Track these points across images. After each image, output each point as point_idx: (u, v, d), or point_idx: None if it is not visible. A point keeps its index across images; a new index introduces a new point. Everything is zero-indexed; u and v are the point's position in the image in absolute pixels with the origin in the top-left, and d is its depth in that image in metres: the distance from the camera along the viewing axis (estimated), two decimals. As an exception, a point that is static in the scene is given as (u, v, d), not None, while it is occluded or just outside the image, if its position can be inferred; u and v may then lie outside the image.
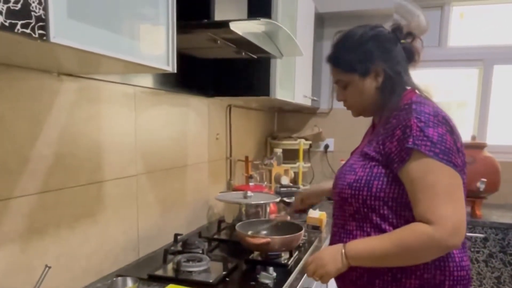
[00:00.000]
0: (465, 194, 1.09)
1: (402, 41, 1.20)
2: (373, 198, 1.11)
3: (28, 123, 1.09)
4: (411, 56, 1.21)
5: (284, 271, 1.44)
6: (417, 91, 1.19)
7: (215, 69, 2.02)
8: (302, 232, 1.55)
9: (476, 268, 2.57)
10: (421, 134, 1.03)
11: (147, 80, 1.57)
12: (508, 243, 2.50)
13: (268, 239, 1.46)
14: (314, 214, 2.04)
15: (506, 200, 2.88)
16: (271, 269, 1.37)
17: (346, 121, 3.03)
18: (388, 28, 1.22)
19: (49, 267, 1.04)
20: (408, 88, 1.19)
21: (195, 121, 1.98)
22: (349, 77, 1.21)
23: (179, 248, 1.63)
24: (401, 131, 1.06)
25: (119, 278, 1.27)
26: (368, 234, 1.13)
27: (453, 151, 1.04)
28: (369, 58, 1.17)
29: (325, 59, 1.28)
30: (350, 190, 1.15)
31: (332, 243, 1.25)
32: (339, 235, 1.21)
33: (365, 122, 1.37)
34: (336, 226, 1.25)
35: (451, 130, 1.07)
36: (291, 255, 1.56)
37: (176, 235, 1.70)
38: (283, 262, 1.51)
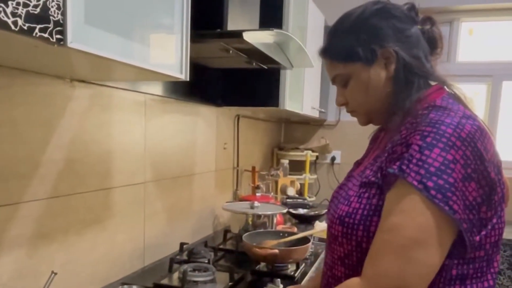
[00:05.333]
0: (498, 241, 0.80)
1: (419, 26, 0.90)
2: (371, 240, 0.80)
3: (40, 129, 1.10)
4: (433, 43, 0.91)
5: (290, 283, 1.42)
6: (446, 88, 0.88)
7: (225, 79, 2.03)
8: (309, 244, 1.54)
9: (484, 286, 2.53)
10: (417, 157, 0.72)
11: (157, 88, 1.58)
12: (516, 260, 2.47)
13: (276, 251, 1.45)
14: (321, 226, 2.02)
15: (514, 217, 2.84)
16: (278, 280, 1.36)
17: (353, 134, 2.99)
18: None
19: (55, 273, 1.03)
20: (434, 84, 0.89)
21: (203, 130, 1.99)
22: (349, 68, 0.90)
23: (184, 257, 1.62)
24: (401, 148, 0.77)
25: (125, 286, 1.27)
26: None
27: (459, 188, 0.71)
28: (374, 37, 0.86)
29: (317, 53, 0.98)
30: (342, 227, 0.85)
31: (321, 284, 0.99)
32: (327, 279, 0.94)
33: (374, 134, 1.04)
34: (325, 266, 0.96)
35: (478, 156, 0.73)
36: (297, 267, 1.54)
37: (182, 244, 1.70)
38: (290, 273, 1.50)
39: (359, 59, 0.88)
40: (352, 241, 0.83)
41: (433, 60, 0.92)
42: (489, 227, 0.78)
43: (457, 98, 0.86)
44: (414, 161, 0.73)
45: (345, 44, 0.90)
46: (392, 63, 0.87)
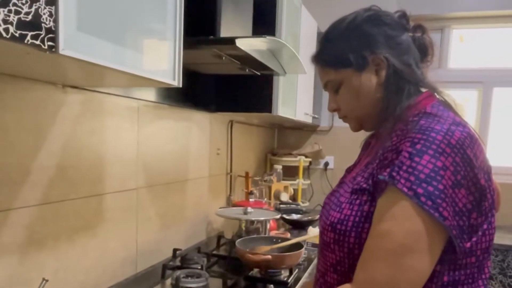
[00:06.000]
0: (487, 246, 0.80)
1: (410, 34, 0.92)
2: (363, 246, 0.80)
3: (32, 134, 1.09)
4: (424, 50, 0.93)
5: (283, 289, 1.43)
6: (436, 95, 0.89)
7: (218, 85, 2.03)
8: (303, 250, 1.54)
9: (476, 291, 2.54)
10: (407, 163, 0.73)
11: (151, 94, 1.58)
12: (507, 265, 2.48)
13: (269, 256, 1.45)
14: (315, 232, 2.03)
15: (505, 222, 2.86)
16: (271, 286, 1.36)
17: (346, 139, 3.00)
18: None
19: (46, 280, 1.02)
20: (424, 91, 0.90)
21: (197, 136, 1.99)
22: (340, 74, 0.91)
23: (177, 263, 1.62)
24: (392, 154, 0.77)
25: (117, 293, 1.25)
26: None
27: (448, 195, 0.71)
28: (365, 44, 0.88)
29: (309, 59, 1.00)
30: (333, 234, 0.84)
31: None
32: (320, 286, 0.93)
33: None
34: (318, 272, 0.96)
35: (468, 162, 0.73)
36: (291, 273, 1.54)
37: (175, 250, 1.69)
38: (283, 279, 1.50)
39: (350, 65, 0.89)
40: (344, 248, 0.83)
41: (424, 67, 0.93)
42: (480, 233, 0.79)
43: (447, 105, 0.87)
44: (404, 168, 0.73)
45: (337, 50, 0.92)
46: (383, 70, 0.88)
